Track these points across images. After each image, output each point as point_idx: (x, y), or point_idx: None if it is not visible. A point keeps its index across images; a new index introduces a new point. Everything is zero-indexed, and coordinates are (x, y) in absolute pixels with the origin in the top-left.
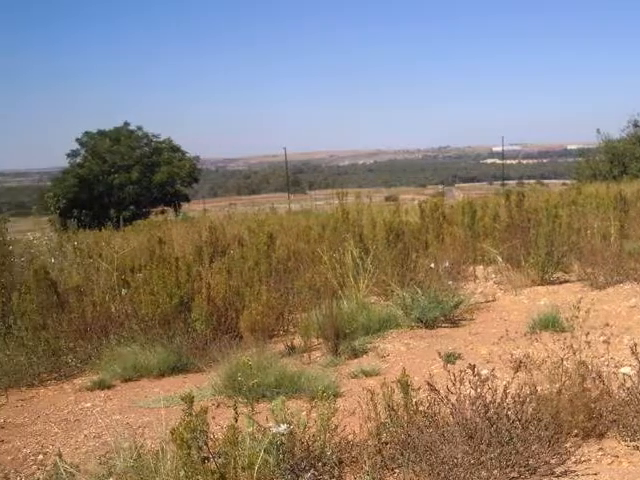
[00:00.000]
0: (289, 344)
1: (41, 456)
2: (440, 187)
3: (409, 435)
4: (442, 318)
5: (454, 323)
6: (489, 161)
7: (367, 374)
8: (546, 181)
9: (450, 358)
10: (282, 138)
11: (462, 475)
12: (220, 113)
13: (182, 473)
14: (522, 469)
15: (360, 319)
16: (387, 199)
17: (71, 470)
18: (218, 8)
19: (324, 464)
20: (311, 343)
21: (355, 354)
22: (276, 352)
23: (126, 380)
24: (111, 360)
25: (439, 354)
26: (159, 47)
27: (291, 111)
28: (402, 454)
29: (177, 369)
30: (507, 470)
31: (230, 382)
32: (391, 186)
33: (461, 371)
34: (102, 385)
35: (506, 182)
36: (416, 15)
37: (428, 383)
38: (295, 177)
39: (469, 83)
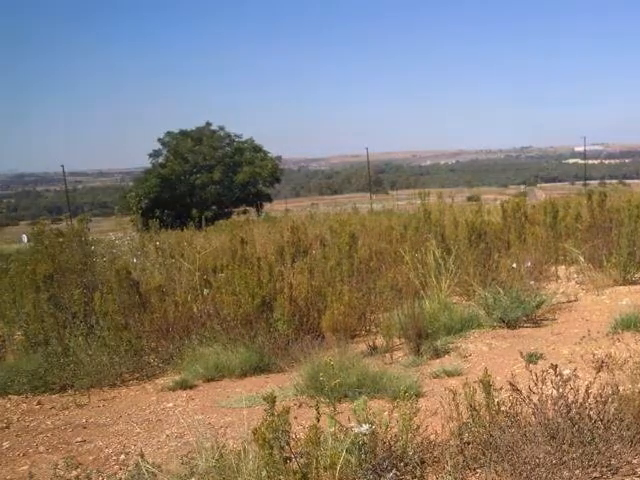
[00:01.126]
0: (371, 344)
1: (123, 456)
2: (522, 187)
3: (491, 435)
4: (524, 318)
5: (536, 323)
6: (571, 161)
7: (449, 374)
8: (628, 181)
9: (532, 358)
10: (364, 138)
11: (544, 475)
12: (302, 113)
13: (264, 473)
14: (604, 469)
15: (442, 319)
16: (469, 199)
17: (153, 470)
18: (300, 8)
19: (406, 464)
20: (393, 343)
21: (437, 354)
22: (358, 352)
23: (208, 380)
24: (193, 360)
25: (521, 354)
26: (241, 46)
27: (373, 111)
28: (484, 454)
29: (259, 369)
30: (589, 470)
31: (312, 382)
32: (473, 186)
33: (543, 371)
34: (184, 385)
35: (588, 182)
36: (494, 15)
37: (510, 383)
38: (377, 177)
39: (551, 83)
